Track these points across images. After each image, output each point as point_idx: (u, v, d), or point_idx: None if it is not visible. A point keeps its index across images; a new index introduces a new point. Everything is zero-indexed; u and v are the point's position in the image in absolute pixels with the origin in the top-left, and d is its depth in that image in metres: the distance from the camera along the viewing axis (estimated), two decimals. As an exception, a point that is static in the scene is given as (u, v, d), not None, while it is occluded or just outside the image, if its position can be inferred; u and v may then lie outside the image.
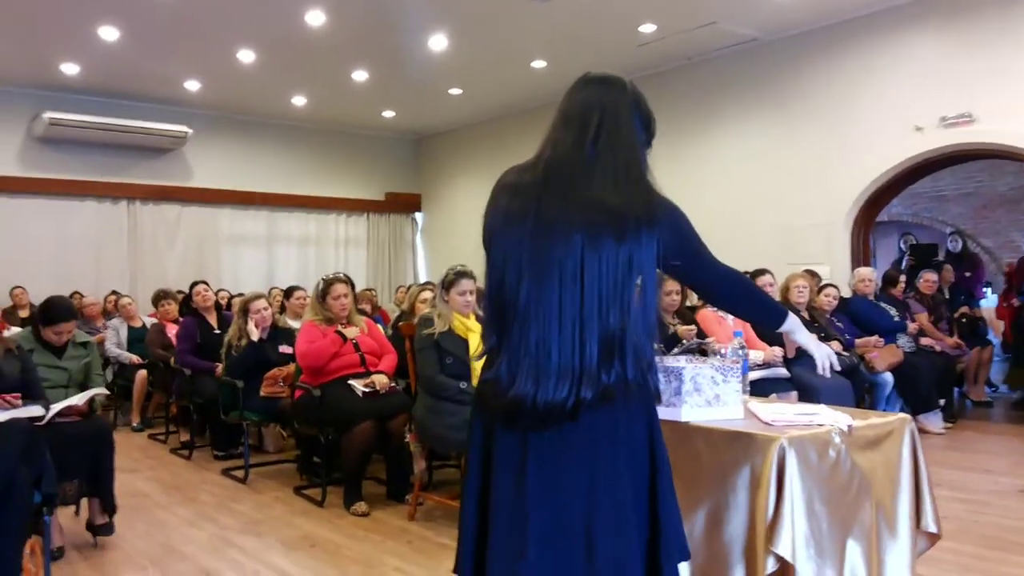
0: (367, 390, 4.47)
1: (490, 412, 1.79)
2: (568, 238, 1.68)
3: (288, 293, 6.90)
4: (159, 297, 7.19)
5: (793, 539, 2.04)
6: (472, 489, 1.83)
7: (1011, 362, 7.61)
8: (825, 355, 2.18)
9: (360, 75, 8.88)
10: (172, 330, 6.72)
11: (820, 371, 2.19)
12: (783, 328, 2.07)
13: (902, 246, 10.68)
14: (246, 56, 8.10)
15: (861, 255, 7.60)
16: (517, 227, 1.74)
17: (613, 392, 1.68)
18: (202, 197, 10.40)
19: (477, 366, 4.04)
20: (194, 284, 6.48)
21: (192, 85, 9.16)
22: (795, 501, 2.06)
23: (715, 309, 5.18)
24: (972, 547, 3.56)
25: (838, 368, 2.30)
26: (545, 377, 1.67)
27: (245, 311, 5.35)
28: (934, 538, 2.46)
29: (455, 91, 9.67)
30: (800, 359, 5.19)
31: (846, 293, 6.73)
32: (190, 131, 9.80)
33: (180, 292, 7.62)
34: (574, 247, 1.68)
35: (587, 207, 1.70)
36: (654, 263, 1.73)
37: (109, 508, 3.86)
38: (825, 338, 5.70)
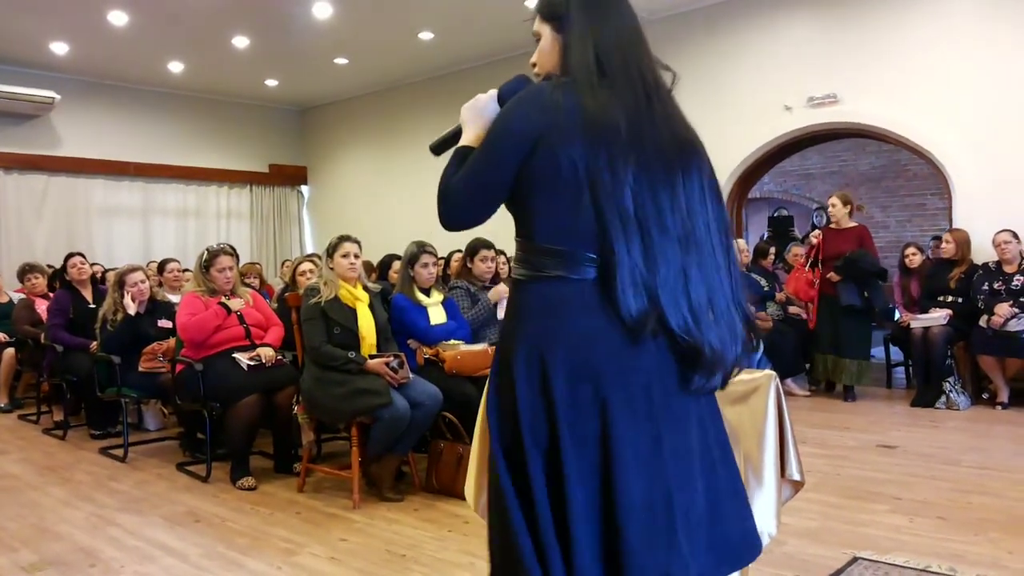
0: (252, 363, 4.40)
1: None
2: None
3: (161, 267, 6.68)
4: (25, 271, 6.85)
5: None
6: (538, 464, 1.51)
7: (815, 348, 6.68)
8: None
9: (241, 41, 8.59)
10: (41, 305, 6.41)
11: None
12: None
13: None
14: (118, 18, 7.69)
15: (735, 229, 7.96)
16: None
17: None
18: (72, 167, 9.83)
19: (367, 335, 4.07)
20: (69, 256, 6.16)
21: (59, 48, 8.63)
22: (670, 453, 2.18)
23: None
24: (833, 497, 3.83)
25: None
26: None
27: (121, 284, 5.17)
28: (798, 486, 2.63)
29: (341, 61, 9.48)
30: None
31: (721, 264, 7.04)
32: (58, 97, 9.24)
33: (50, 266, 7.25)
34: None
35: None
36: None
37: (-24, 490, 3.69)
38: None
